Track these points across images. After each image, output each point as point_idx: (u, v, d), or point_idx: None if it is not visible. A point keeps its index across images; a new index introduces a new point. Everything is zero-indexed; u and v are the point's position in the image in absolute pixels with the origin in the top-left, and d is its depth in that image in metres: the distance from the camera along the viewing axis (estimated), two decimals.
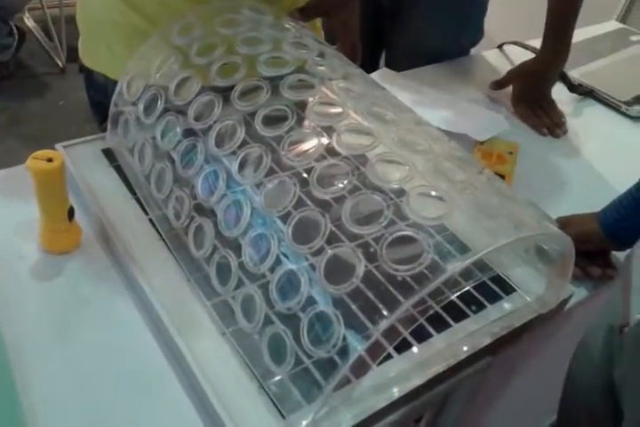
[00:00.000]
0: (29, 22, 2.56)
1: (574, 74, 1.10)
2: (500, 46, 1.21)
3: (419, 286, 0.44)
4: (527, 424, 1.08)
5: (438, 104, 0.98)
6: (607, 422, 0.64)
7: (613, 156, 0.93)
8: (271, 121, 0.57)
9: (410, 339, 0.56)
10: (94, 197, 0.67)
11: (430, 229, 0.49)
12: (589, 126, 1.01)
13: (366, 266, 0.48)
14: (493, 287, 0.62)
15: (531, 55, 1.04)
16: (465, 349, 0.57)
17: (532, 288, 0.63)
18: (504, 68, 1.10)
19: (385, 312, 0.45)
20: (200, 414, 0.52)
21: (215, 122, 0.58)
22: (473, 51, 1.20)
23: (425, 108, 0.90)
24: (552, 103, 1.01)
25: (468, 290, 0.60)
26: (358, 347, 0.46)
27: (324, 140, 0.55)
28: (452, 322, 0.58)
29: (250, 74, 0.60)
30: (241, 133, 0.57)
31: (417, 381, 0.54)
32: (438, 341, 0.57)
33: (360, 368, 0.48)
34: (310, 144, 0.55)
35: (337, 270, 0.49)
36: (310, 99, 0.58)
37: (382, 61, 1.29)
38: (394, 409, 0.53)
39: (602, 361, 0.63)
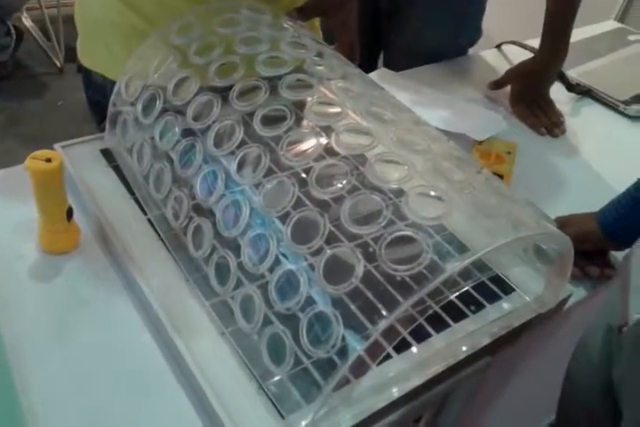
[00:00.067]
0: (27, 22, 2.56)
1: (572, 73, 1.10)
2: (498, 46, 1.21)
3: (418, 286, 0.44)
4: (526, 424, 1.08)
5: (437, 104, 0.98)
6: (606, 421, 0.64)
7: (612, 155, 0.93)
8: (270, 121, 0.57)
9: (409, 339, 0.56)
10: (93, 198, 0.67)
11: (429, 228, 0.49)
12: (587, 126, 1.01)
13: (365, 266, 0.48)
14: (492, 287, 0.62)
15: (529, 55, 1.04)
16: (464, 349, 0.57)
17: (531, 288, 0.63)
18: (502, 67, 1.10)
19: (384, 312, 0.45)
20: (199, 415, 0.51)
21: (214, 122, 0.58)
22: (471, 50, 1.20)
23: (423, 107, 0.90)
24: (550, 103, 1.01)
25: (467, 290, 0.60)
26: (357, 347, 0.46)
27: (323, 140, 0.54)
28: (451, 322, 0.58)
29: (248, 74, 0.60)
30: (239, 133, 0.57)
31: (416, 381, 0.54)
32: (437, 341, 0.57)
33: (359, 368, 0.48)
34: (309, 144, 0.55)
35: (336, 270, 0.49)
36: (309, 99, 0.58)
37: (380, 61, 1.29)
38: (393, 409, 0.53)
39: (600, 361, 0.63)
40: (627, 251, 0.64)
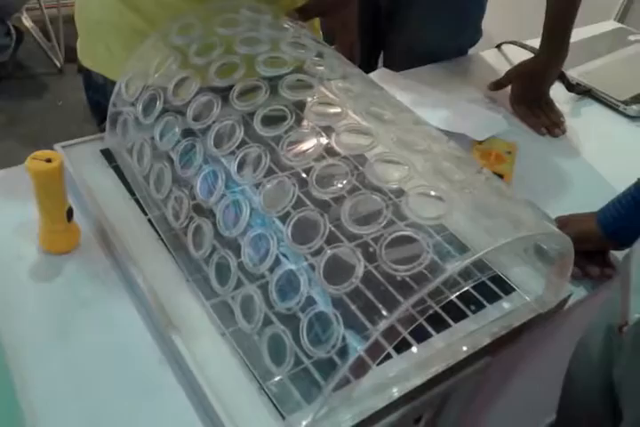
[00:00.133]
0: (27, 22, 2.56)
1: (572, 73, 1.10)
2: (498, 46, 1.21)
3: (418, 286, 0.44)
4: (526, 424, 1.08)
5: (437, 104, 0.98)
6: (606, 421, 0.64)
7: (612, 155, 0.93)
8: (270, 121, 0.57)
9: (409, 339, 0.56)
10: (93, 198, 0.67)
11: (429, 228, 0.49)
12: (588, 126, 1.01)
13: (366, 266, 0.48)
14: (493, 287, 0.62)
15: (529, 55, 1.04)
16: (464, 349, 0.57)
17: (532, 288, 0.63)
18: (502, 67, 1.10)
19: (384, 312, 0.45)
20: (199, 415, 0.51)
21: (214, 122, 0.58)
22: (471, 50, 1.20)
23: (423, 107, 0.90)
24: (550, 103, 1.01)
25: (468, 290, 0.60)
26: (358, 347, 0.46)
27: (323, 141, 0.54)
28: (451, 322, 0.58)
29: (248, 74, 0.60)
30: (240, 133, 0.57)
31: (416, 381, 0.54)
32: (438, 341, 0.57)
33: (359, 368, 0.48)
34: (309, 144, 0.55)
35: (336, 270, 0.49)
36: (309, 99, 0.58)
37: (381, 61, 1.29)
38: (393, 409, 0.53)
39: (601, 361, 0.63)
40: (627, 250, 0.64)
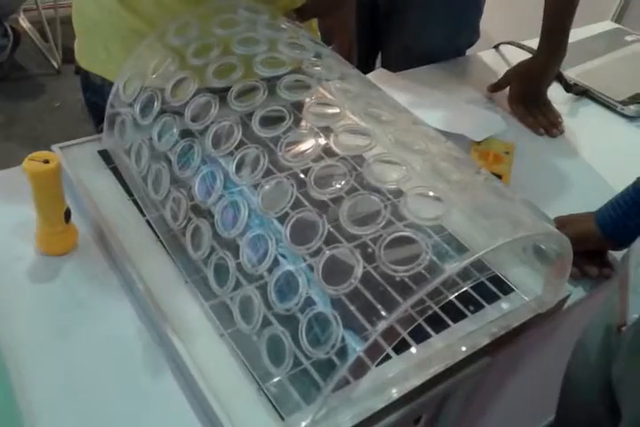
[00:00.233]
0: (25, 23, 2.55)
1: (570, 74, 1.11)
2: (496, 46, 1.21)
3: (417, 287, 0.44)
4: (526, 424, 1.08)
5: (435, 104, 0.98)
6: (605, 421, 0.64)
7: (610, 155, 0.93)
8: (268, 122, 0.57)
9: (408, 339, 0.56)
10: (91, 199, 0.67)
11: (428, 229, 0.49)
12: (585, 126, 1.01)
13: (364, 267, 0.48)
14: (491, 287, 0.62)
15: (527, 55, 1.05)
16: (463, 349, 0.57)
17: (530, 288, 0.63)
18: (500, 68, 1.10)
19: (383, 313, 0.45)
20: (198, 416, 0.51)
21: (212, 123, 0.58)
22: (469, 51, 1.20)
23: (421, 108, 0.90)
24: (548, 103, 1.01)
25: (467, 290, 0.60)
26: (357, 348, 0.46)
27: (322, 141, 0.54)
28: (450, 322, 0.58)
29: (246, 74, 0.60)
30: (238, 134, 0.57)
31: (416, 381, 0.54)
32: (437, 341, 0.57)
33: (359, 369, 0.48)
34: (307, 145, 0.55)
35: (335, 271, 0.49)
36: (307, 99, 0.58)
37: (378, 62, 1.29)
38: (393, 410, 0.53)
39: (599, 361, 0.63)
40: (625, 251, 0.64)
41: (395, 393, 0.52)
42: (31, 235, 0.64)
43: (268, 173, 0.54)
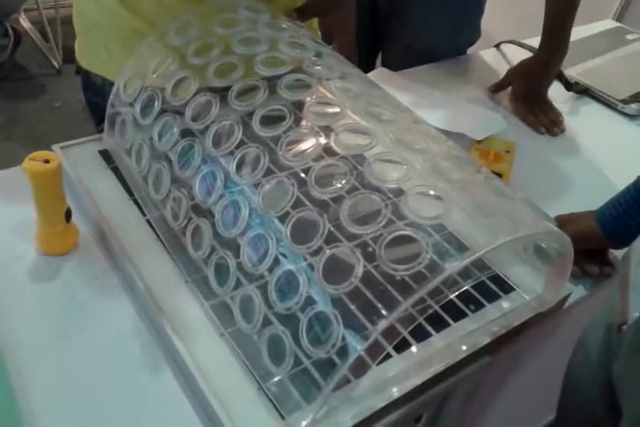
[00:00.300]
0: (25, 23, 2.55)
1: (571, 72, 1.10)
2: (497, 45, 1.21)
3: (417, 286, 0.44)
4: (526, 423, 1.08)
5: (435, 103, 0.98)
6: (606, 419, 0.64)
7: (610, 154, 0.93)
8: (269, 121, 0.57)
9: (409, 338, 0.56)
10: (91, 199, 0.67)
11: (429, 228, 0.49)
12: (586, 125, 1.01)
13: (365, 266, 0.48)
14: (492, 286, 0.62)
15: (528, 54, 1.04)
16: (464, 348, 0.57)
17: (531, 287, 0.63)
18: (501, 67, 1.10)
19: (384, 312, 0.45)
20: (199, 416, 0.51)
21: (212, 122, 0.58)
22: (470, 50, 1.20)
23: (422, 107, 0.90)
24: (549, 102, 1.01)
25: (467, 289, 0.60)
26: (357, 347, 0.46)
27: (322, 140, 0.54)
28: (451, 321, 0.58)
29: (247, 74, 0.60)
30: (238, 134, 0.57)
31: (416, 380, 0.54)
32: (437, 340, 0.57)
33: (359, 368, 0.48)
34: (308, 144, 0.55)
35: (336, 270, 0.49)
36: (308, 99, 0.58)
37: (379, 61, 1.29)
38: (393, 409, 0.53)
39: (600, 359, 0.63)
40: (626, 249, 0.64)
41: (395, 392, 0.52)
42: (32, 235, 0.64)
43: (268, 172, 0.54)
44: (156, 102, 0.62)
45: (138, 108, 0.64)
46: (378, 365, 0.52)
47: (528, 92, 1.00)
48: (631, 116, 1.03)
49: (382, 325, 0.44)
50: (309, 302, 0.49)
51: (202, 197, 0.57)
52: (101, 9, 0.77)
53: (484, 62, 1.16)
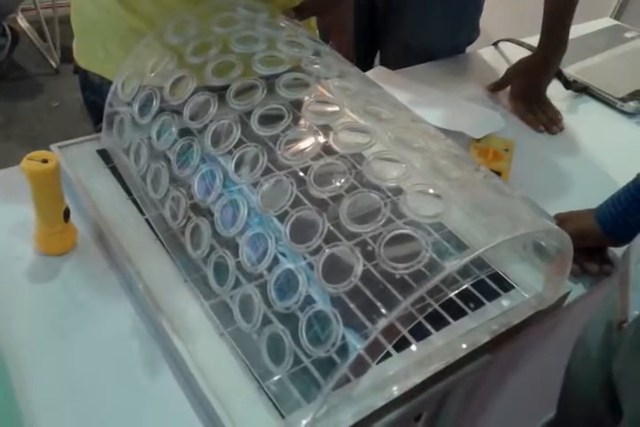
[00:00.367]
0: (23, 23, 2.55)
1: (569, 70, 1.10)
2: (495, 44, 1.21)
3: (417, 285, 0.44)
4: (526, 420, 1.08)
5: (434, 102, 0.98)
6: (606, 417, 0.64)
7: (609, 152, 0.93)
8: (267, 120, 0.57)
9: (409, 337, 0.56)
10: (90, 198, 0.67)
11: (428, 226, 0.49)
12: (585, 123, 1.01)
13: (364, 265, 0.48)
14: (491, 285, 0.62)
15: (526, 52, 1.04)
16: (464, 346, 0.57)
17: (531, 285, 0.63)
18: (499, 65, 1.10)
19: (383, 311, 0.45)
20: (199, 415, 0.51)
21: (211, 121, 0.58)
22: (468, 48, 1.20)
23: (421, 106, 0.90)
24: (548, 100, 1.01)
25: (467, 287, 0.60)
26: (357, 346, 0.46)
27: (321, 139, 0.54)
28: (450, 320, 0.58)
29: (245, 73, 0.60)
30: (237, 133, 0.56)
31: (416, 379, 0.54)
32: (437, 339, 0.57)
33: (359, 367, 0.48)
34: (307, 143, 0.55)
35: (335, 269, 0.49)
36: (306, 97, 0.58)
37: (377, 60, 1.28)
38: (393, 408, 0.53)
39: (600, 357, 0.63)
40: (625, 247, 0.64)
41: (395, 391, 0.52)
42: (30, 235, 0.64)
43: (267, 171, 0.54)
44: (154, 101, 0.62)
45: (136, 107, 0.64)
46: (378, 363, 0.52)
47: (527, 91, 1.00)
48: (630, 114, 1.03)
49: (382, 323, 0.44)
50: (309, 301, 0.49)
51: (201, 196, 0.57)
52: (99, 8, 0.77)
53: (483, 61, 1.16)
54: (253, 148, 0.55)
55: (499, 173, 0.84)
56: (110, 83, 0.68)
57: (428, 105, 0.95)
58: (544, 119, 0.98)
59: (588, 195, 0.73)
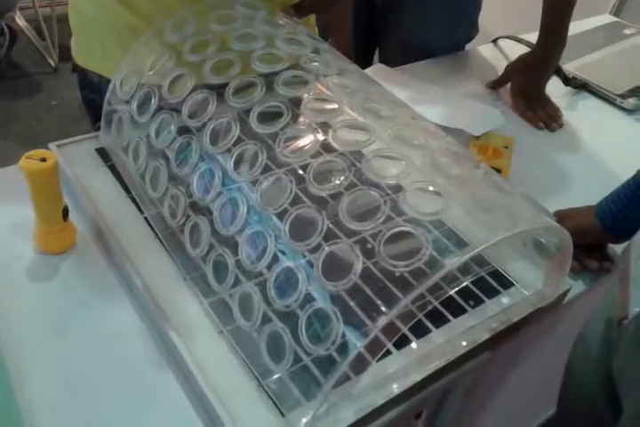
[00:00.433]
0: (21, 22, 2.54)
1: (569, 67, 1.10)
2: (494, 40, 1.20)
3: (417, 282, 0.44)
4: (526, 417, 1.08)
5: (433, 99, 0.98)
6: (606, 414, 0.64)
7: (609, 148, 0.93)
8: (266, 118, 0.57)
9: (409, 335, 0.56)
10: (89, 197, 0.67)
11: (428, 224, 0.49)
12: (584, 120, 1.01)
13: (364, 262, 0.47)
14: (491, 282, 0.62)
15: (525, 49, 1.04)
16: (464, 344, 0.57)
17: (531, 282, 0.63)
18: (498, 62, 1.10)
19: (383, 308, 0.45)
20: (199, 414, 0.51)
21: (210, 119, 0.58)
22: (468, 45, 1.20)
23: (420, 103, 0.89)
24: (547, 97, 1.01)
25: (467, 285, 0.60)
26: (357, 344, 0.46)
27: (320, 137, 0.54)
28: (450, 317, 0.58)
29: (244, 71, 0.60)
30: (236, 131, 0.56)
31: (416, 376, 0.53)
32: (437, 336, 0.57)
33: (359, 365, 0.48)
34: (306, 141, 0.55)
35: (335, 267, 0.49)
36: (305, 95, 0.58)
37: (376, 58, 1.28)
38: (393, 405, 0.53)
39: (600, 354, 0.63)
40: (626, 244, 0.64)
41: (395, 389, 0.52)
42: (29, 234, 0.63)
43: (266, 169, 0.54)
44: (152, 100, 0.62)
45: (134, 105, 0.64)
46: (378, 361, 0.52)
47: (527, 87, 1.00)
48: (629, 111, 1.03)
49: (382, 321, 0.44)
50: (309, 299, 0.49)
51: (200, 194, 0.57)
52: (97, 6, 0.77)
53: (482, 58, 1.16)
54: (252, 146, 0.55)
55: (498, 171, 0.84)
56: (109, 81, 0.68)
57: (427, 102, 0.95)
58: (544, 116, 0.98)
59: (588, 192, 0.73)
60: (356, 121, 0.56)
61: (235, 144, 0.56)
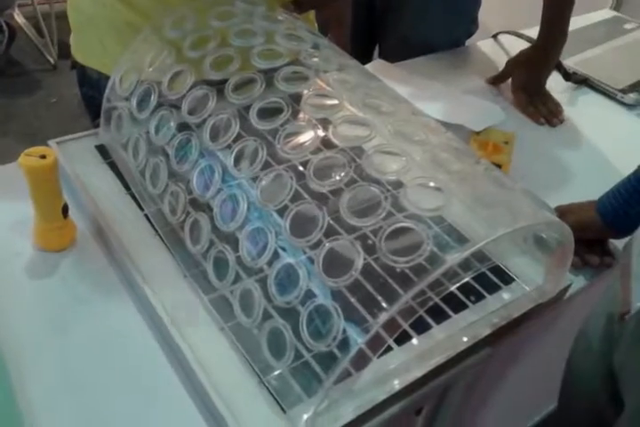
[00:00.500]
0: (20, 19, 2.54)
1: (569, 62, 1.10)
2: (494, 36, 1.20)
3: (418, 278, 0.44)
4: (527, 413, 1.09)
5: (434, 95, 0.97)
6: (607, 409, 0.64)
7: (610, 144, 0.93)
8: (266, 114, 0.56)
9: (409, 331, 0.56)
10: (88, 194, 0.67)
11: (428, 220, 0.49)
12: (585, 115, 1.00)
13: (365, 258, 0.47)
14: (492, 278, 0.62)
15: (525, 44, 1.04)
16: (464, 340, 0.57)
17: (531, 278, 0.63)
18: (499, 57, 1.10)
19: (384, 304, 0.45)
20: (200, 410, 0.51)
21: (209, 116, 0.58)
22: (468, 41, 1.19)
23: (421, 99, 0.89)
24: (548, 93, 1.01)
25: (467, 281, 0.59)
26: (358, 340, 0.45)
27: (320, 133, 0.54)
28: (451, 313, 0.58)
29: (244, 67, 0.60)
30: (236, 127, 0.56)
31: (417, 372, 0.53)
32: (438, 332, 0.57)
33: (360, 361, 0.48)
34: (306, 137, 0.55)
35: (335, 263, 0.49)
36: (305, 91, 0.58)
37: (376, 53, 1.28)
38: (394, 401, 0.53)
39: (601, 349, 0.63)
40: (627, 239, 0.64)
41: (396, 385, 0.52)
42: (29, 231, 0.63)
43: (266, 165, 0.54)
44: (152, 96, 0.62)
45: (134, 102, 0.63)
46: (379, 357, 0.52)
47: (528, 83, 1.00)
48: (630, 106, 1.03)
49: (383, 317, 0.44)
50: (309, 295, 0.49)
51: (200, 191, 0.57)
52: (96, 3, 0.77)
53: (482, 53, 1.16)
54: (252, 142, 0.55)
55: (499, 166, 0.84)
56: (108, 78, 0.67)
57: (427, 98, 0.95)
58: (544, 111, 0.98)
59: (589, 187, 0.73)
60: (357, 117, 0.56)
61: (235, 140, 0.56)
